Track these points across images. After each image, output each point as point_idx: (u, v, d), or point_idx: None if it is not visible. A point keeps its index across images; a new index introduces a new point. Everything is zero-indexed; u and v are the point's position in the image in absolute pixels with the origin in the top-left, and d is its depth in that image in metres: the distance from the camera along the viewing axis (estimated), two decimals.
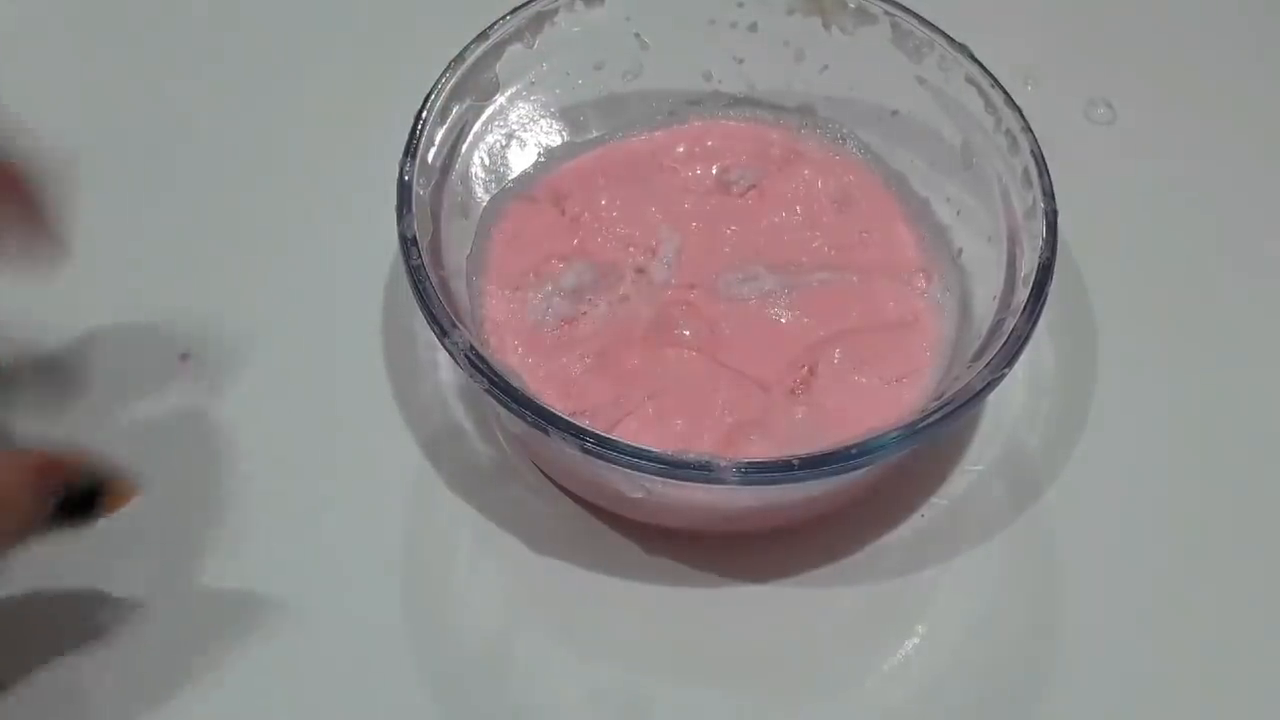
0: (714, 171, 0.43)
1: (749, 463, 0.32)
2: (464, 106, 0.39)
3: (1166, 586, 0.38)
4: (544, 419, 0.32)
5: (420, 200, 0.36)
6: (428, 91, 0.38)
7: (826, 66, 0.42)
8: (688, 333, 0.38)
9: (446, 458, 0.39)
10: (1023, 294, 0.35)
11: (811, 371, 0.38)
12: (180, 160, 0.45)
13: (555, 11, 0.40)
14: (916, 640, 0.37)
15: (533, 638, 0.36)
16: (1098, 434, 0.40)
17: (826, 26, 0.42)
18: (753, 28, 0.42)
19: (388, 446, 0.39)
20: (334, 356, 0.41)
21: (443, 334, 0.33)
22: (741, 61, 0.43)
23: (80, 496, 0.27)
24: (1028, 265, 0.36)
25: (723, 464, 0.32)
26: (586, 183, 0.42)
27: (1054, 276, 0.35)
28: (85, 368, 0.39)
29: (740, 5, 0.42)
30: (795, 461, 0.32)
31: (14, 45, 0.49)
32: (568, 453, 0.32)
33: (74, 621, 0.36)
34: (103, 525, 0.35)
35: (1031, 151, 0.37)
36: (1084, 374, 0.41)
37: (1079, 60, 0.49)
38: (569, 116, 0.43)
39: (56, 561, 0.36)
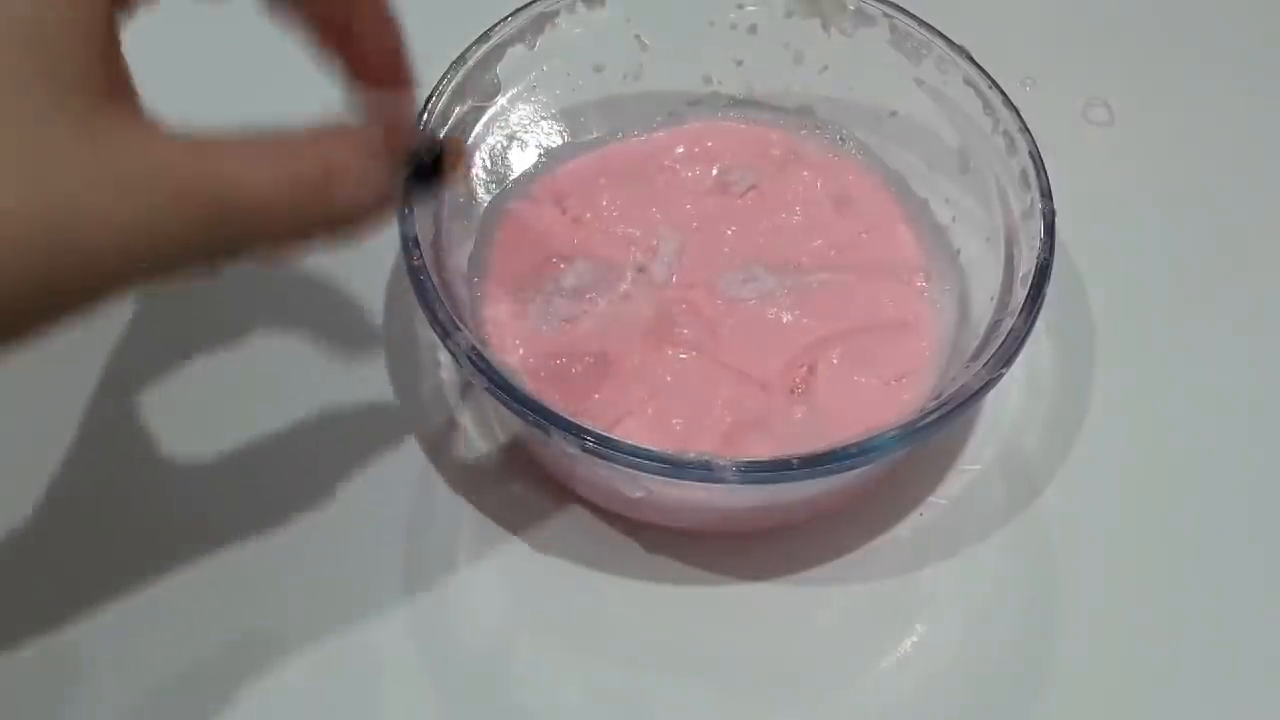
0: (714, 172, 0.43)
1: (748, 462, 0.32)
2: (465, 108, 0.39)
3: (1165, 586, 0.38)
4: (544, 419, 0.32)
5: (422, 206, 0.36)
6: (429, 93, 0.38)
7: (826, 68, 0.43)
8: (688, 332, 0.39)
9: (446, 458, 0.39)
10: (1021, 294, 0.35)
11: (811, 371, 0.38)
12: None
13: (556, 13, 0.41)
14: (915, 639, 0.37)
15: (533, 637, 0.36)
16: (1095, 434, 0.40)
17: (825, 28, 0.42)
18: (752, 29, 0.43)
19: (388, 446, 0.39)
20: (335, 356, 0.41)
21: (444, 334, 0.33)
22: (741, 63, 0.43)
23: (425, 161, 0.27)
24: (1026, 265, 0.36)
25: (722, 464, 0.32)
26: (587, 183, 0.42)
27: (1052, 277, 0.35)
28: (84, 366, 0.39)
29: (740, 7, 0.42)
30: (795, 461, 0.32)
31: None
32: (568, 453, 0.33)
33: (75, 615, 0.36)
34: (102, 513, 0.36)
35: (1029, 152, 0.37)
36: (1082, 374, 0.41)
37: (1077, 61, 0.50)
38: (570, 118, 0.43)
39: (62, 556, 0.36)
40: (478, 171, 0.41)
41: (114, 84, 0.23)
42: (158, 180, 0.22)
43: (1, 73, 0.21)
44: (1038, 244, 0.36)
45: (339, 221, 0.25)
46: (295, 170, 0.24)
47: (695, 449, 0.35)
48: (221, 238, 0.23)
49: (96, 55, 0.22)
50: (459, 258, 0.39)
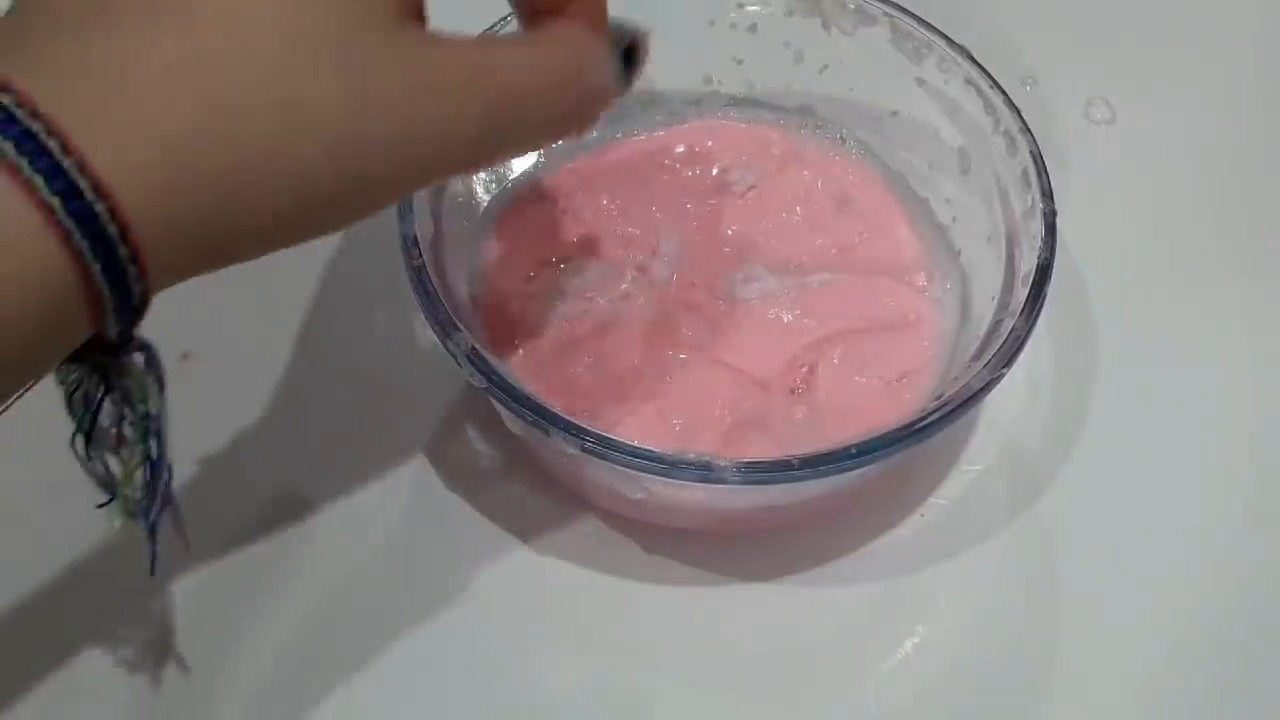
0: (714, 172, 0.43)
1: (749, 462, 0.32)
2: None
3: (1165, 586, 0.38)
4: (544, 419, 0.32)
5: (421, 200, 0.36)
6: None
7: (826, 67, 0.43)
8: (688, 332, 0.38)
9: (446, 458, 0.39)
10: (1021, 294, 0.35)
11: (811, 371, 0.38)
12: None
13: None
14: (916, 639, 0.37)
15: (533, 637, 0.36)
16: (1096, 434, 0.40)
17: (826, 27, 0.42)
18: (752, 29, 0.43)
19: (388, 446, 0.39)
20: (335, 356, 0.41)
21: (444, 334, 0.33)
22: (741, 62, 0.43)
23: (626, 51, 0.29)
24: (1026, 265, 0.36)
25: (722, 464, 0.32)
26: (587, 183, 0.42)
27: (1053, 277, 0.35)
28: None
29: (740, 7, 0.42)
30: (795, 461, 0.32)
31: None
32: (568, 453, 0.32)
33: (77, 611, 0.36)
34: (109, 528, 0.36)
35: (1030, 152, 0.37)
36: (1083, 374, 0.41)
37: (1078, 61, 0.50)
38: None
39: (60, 554, 0.36)
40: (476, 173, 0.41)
41: (411, 4, 0.25)
42: (454, 86, 0.25)
43: (325, 11, 0.23)
44: (1038, 244, 0.36)
45: (588, 104, 0.28)
46: (552, 63, 0.27)
47: (695, 449, 0.35)
48: (502, 127, 0.26)
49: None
50: (459, 258, 0.39)
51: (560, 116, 0.27)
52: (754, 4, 0.42)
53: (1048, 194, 0.37)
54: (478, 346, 0.33)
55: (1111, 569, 0.38)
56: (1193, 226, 0.45)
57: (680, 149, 0.43)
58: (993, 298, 0.37)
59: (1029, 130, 0.38)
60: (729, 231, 0.41)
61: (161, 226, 0.22)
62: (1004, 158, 0.38)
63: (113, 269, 0.22)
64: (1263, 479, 0.40)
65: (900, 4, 0.41)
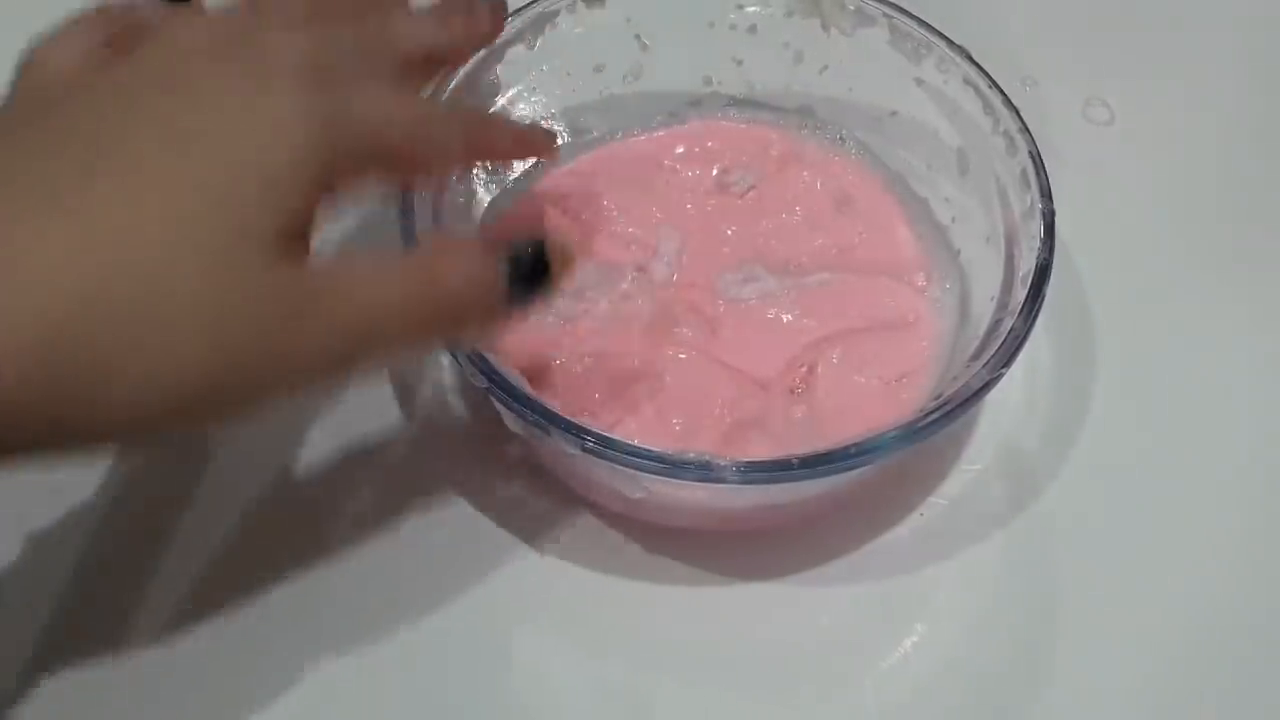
0: (714, 172, 0.43)
1: (748, 462, 0.32)
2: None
3: (1165, 585, 0.38)
4: (544, 419, 0.32)
5: (422, 201, 0.36)
6: (429, 93, 0.38)
7: (826, 68, 0.43)
8: (688, 332, 0.39)
9: (447, 457, 0.39)
10: (1021, 294, 0.35)
11: (811, 371, 0.38)
12: None
13: (556, 13, 0.41)
14: (916, 639, 0.37)
15: (533, 637, 0.36)
16: (1095, 433, 0.40)
17: (825, 28, 0.42)
18: (752, 29, 0.43)
19: (388, 446, 0.39)
20: None
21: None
22: (741, 63, 0.43)
23: (528, 262, 0.29)
24: (1026, 265, 0.36)
25: (722, 463, 0.32)
26: (587, 183, 0.42)
27: (1052, 277, 0.35)
28: None
29: (740, 7, 0.42)
30: (794, 461, 0.32)
31: None
32: (568, 453, 0.33)
33: (72, 612, 0.36)
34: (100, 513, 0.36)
35: (1029, 152, 0.37)
36: (1082, 374, 0.41)
37: (1077, 61, 0.50)
38: (570, 117, 0.43)
39: (61, 554, 0.36)
40: (478, 171, 0.41)
41: (292, 227, 0.26)
42: (316, 309, 0.25)
43: (209, 228, 0.24)
44: (1038, 244, 0.36)
45: (450, 321, 0.28)
46: (411, 285, 0.27)
47: (695, 449, 0.35)
48: (362, 347, 0.26)
49: (304, 206, 0.26)
50: None
51: (425, 335, 0.28)
52: (754, 5, 0.42)
53: (1047, 194, 0.37)
54: (478, 346, 0.33)
55: (1111, 568, 0.38)
56: (1192, 226, 0.45)
57: (680, 149, 0.43)
58: (992, 298, 0.37)
59: (1028, 130, 0.38)
60: (729, 231, 0.41)
61: (21, 407, 0.22)
62: (1003, 158, 0.38)
63: None
64: (1262, 478, 0.40)
65: (899, 4, 0.41)
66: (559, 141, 0.39)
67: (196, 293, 0.24)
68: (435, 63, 0.33)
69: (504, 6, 0.35)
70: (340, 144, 0.26)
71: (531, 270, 0.29)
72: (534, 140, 0.37)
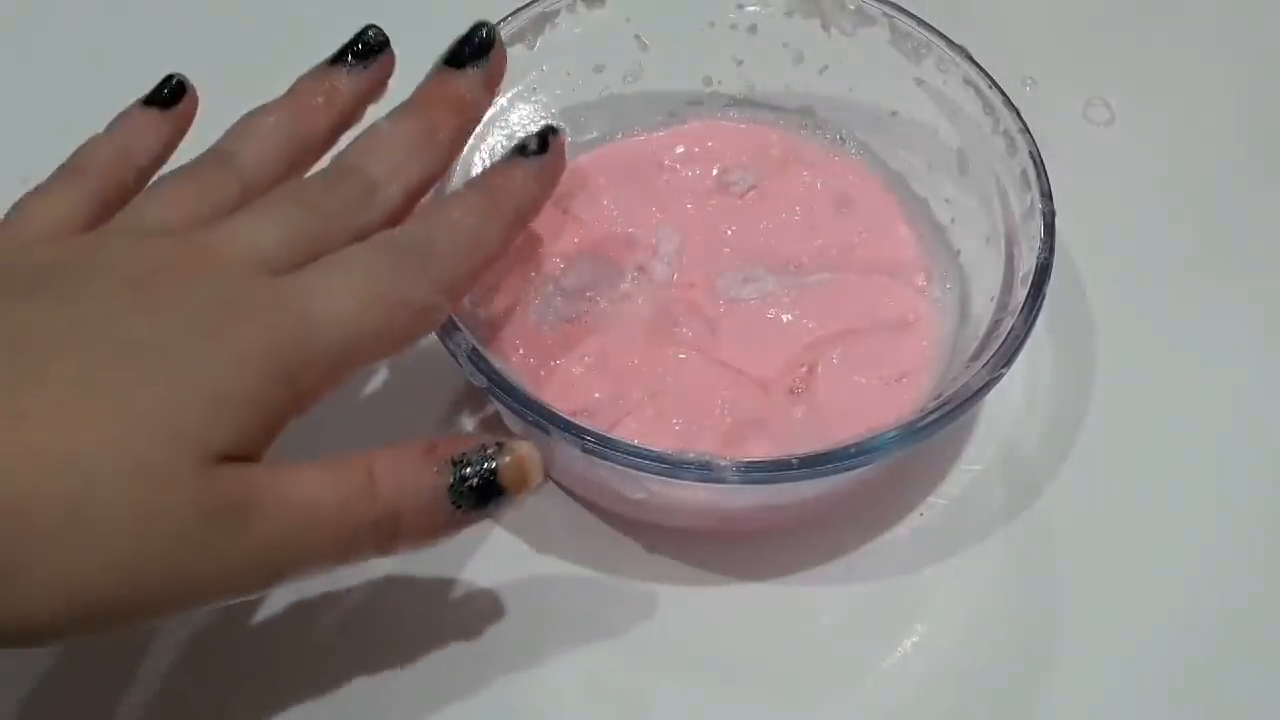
0: (714, 172, 0.43)
1: (748, 462, 0.32)
2: None
3: (1165, 585, 0.38)
4: (544, 419, 0.32)
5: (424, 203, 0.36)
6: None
7: (826, 68, 0.43)
8: (688, 332, 0.39)
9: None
10: (1021, 294, 0.35)
11: (811, 371, 0.38)
12: (180, 160, 0.45)
13: (556, 13, 0.41)
14: (915, 639, 0.37)
15: (533, 637, 0.36)
16: (1095, 433, 0.40)
17: (825, 28, 0.42)
18: (752, 29, 0.43)
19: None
20: None
21: (444, 334, 0.33)
22: (741, 63, 0.43)
23: (476, 474, 0.27)
24: (1026, 265, 0.36)
25: (722, 463, 0.32)
26: (587, 183, 0.42)
27: (1052, 277, 0.35)
28: None
29: (740, 7, 0.42)
30: (794, 461, 0.32)
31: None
32: (568, 452, 0.33)
33: None
34: None
35: (1030, 152, 0.37)
36: (1082, 374, 0.41)
37: (1077, 61, 0.50)
38: (570, 117, 0.43)
39: None
40: (478, 171, 0.41)
41: (233, 446, 0.25)
42: (234, 538, 0.25)
43: (146, 444, 0.24)
44: (1038, 244, 0.36)
45: (387, 536, 0.27)
46: (348, 482, 0.27)
47: (695, 449, 0.35)
48: (293, 547, 0.26)
49: (256, 435, 0.26)
50: None
51: (357, 551, 0.27)
52: (754, 4, 0.42)
53: (1047, 194, 0.37)
54: (478, 346, 0.33)
55: (1110, 568, 0.38)
56: (1192, 227, 0.45)
57: (680, 149, 0.43)
58: (992, 298, 0.37)
59: (1028, 130, 0.38)
60: (729, 231, 0.41)
61: None
62: (1003, 158, 0.38)
63: None
64: (1262, 478, 0.40)
65: (899, 4, 0.41)
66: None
67: (118, 510, 0.23)
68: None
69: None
70: (303, 378, 0.26)
71: (483, 485, 0.27)
72: (531, 214, 0.33)
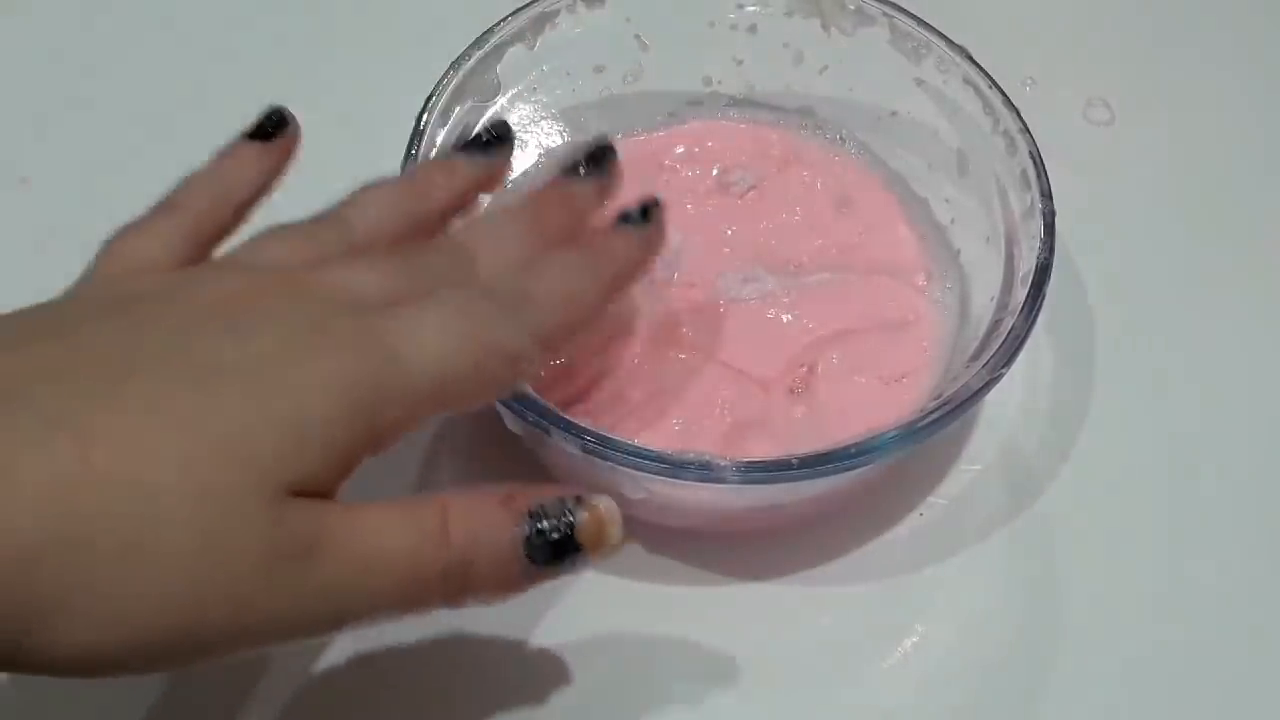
0: (714, 172, 0.43)
1: (748, 462, 0.32)
2: (465, 108, 0.39)
3: (1164, 585, 0.38)
4: (544, 419, 0.32)
5: None
6: (429, 93, 0.38)
7: (826, 68, 0.43)
8: (688, 332, 0.39)
9: (446, 458, 0.39)
10: (1021, 294, 0.35)
11: (811, 371, 0.38)
12: (180, 161, 0.45)
13: (556, 13, 0.41)
14: (915, 639, 0.37)
15: (533, 637, 0.36)
16: (1095, 433, 0.40)
17: (825, 28, 0.42)
18: (752, 29, 0.43)
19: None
20: None
21: None
22: (741, 63, 0.43)
23: (552, 528, 0.26)
24: (1026, 265, 0.36)
25: (722, 463, 0.32)
26: None
27: (1052, 277, 0.35)
28: None
29: (740, 7, 0.42)
30: (794, 461, 0.32)
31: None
32: (568, 453, 0.33)
33: None
34: None
35: (1030, 152, 0.37)
36: (1082, 374, 0.41)
37: (1077, 61, 0.50)
38: (570, 117, 0.43)
39: None
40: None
41: (303, 482, 0.24)
42: (299, 581, 0.24)
43: (214, 477, 0.23)
44: (1038, 244, 0.36)
45: (457, 590, 0.26)
46: (420, 528, 0.25)
47: (695, 449, 0.35)
48: (361, 588, 0.25)
49: (332, 469, 0.25)
50: None
51: (427, 602, 0.26)
52: (754, 4, 0.42)
53: (1047, 194, 0.37)
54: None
55: (1111, 568, 0.38)
56: (1192, 227, 0.45)
57: (680, 149, 0.43)
58: (992, 298, 0.37)
59: (1028, 130, 0.38)
60: (729, 232, 0.41)
61: None
62: (1003, 158, 0.38)
63: None
64: (1262, 478, 0.40)
65: (899, 4, 0.41)
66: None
67: (183, 540, 0.22)
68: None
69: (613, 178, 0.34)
70: (385, 414, 0.25)
71: (560, 540, 0.26)
72: (635, 273, 0.32)
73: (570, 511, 0.26)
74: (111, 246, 0.29)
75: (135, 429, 0.23)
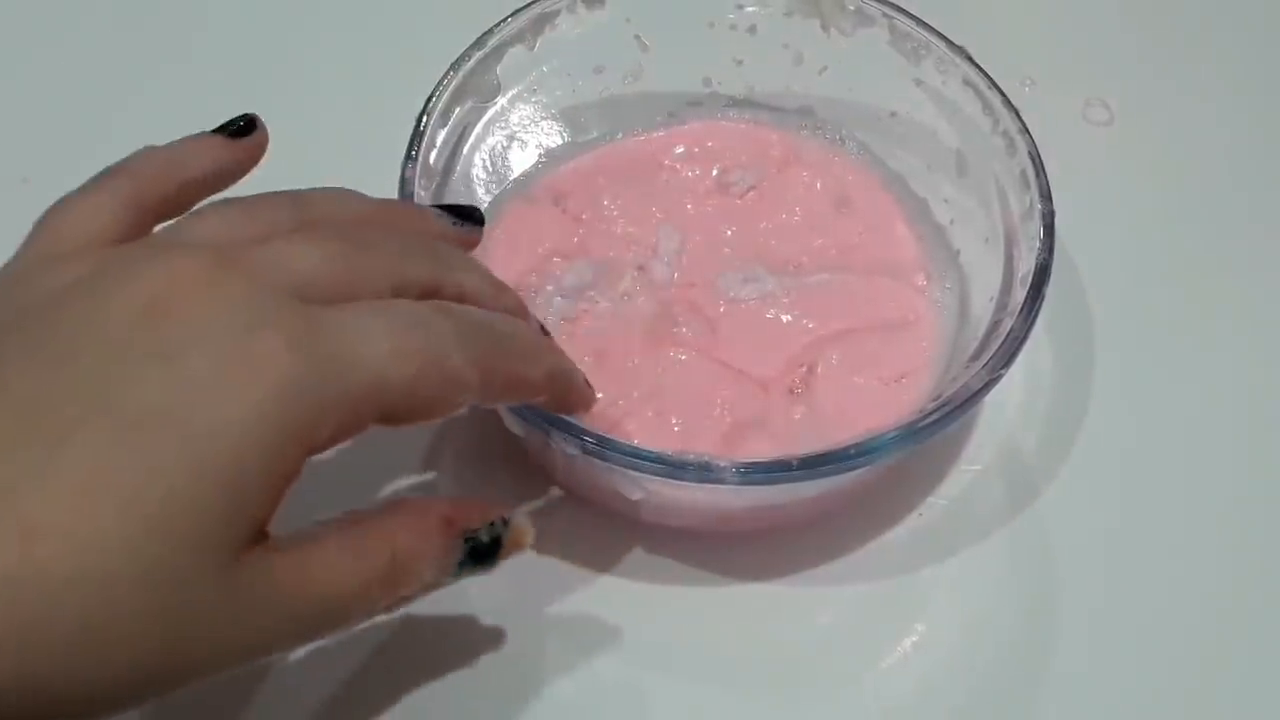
0: (714, 173, 0.43)
1: (748, 463, 0.32)
2: (465, 108, 0.39)
3: (1163, 585, 0.38)
4: (544, 419, 0.32)
5: (422, 202, 0.36)
6: (429, 94, 0.38)
7: (825, 68, 0.43)
8: (688, 332, 0.39)
9: (447, 457, 0.39)
10: (1020, 294, 0.35)
11: (810, 371, 0.38)
12: None
13: (556, 14, 0.41)
14: (915, 639, 0.37)
15: (533, 637, 0.36)
16: (1095, 434, 0.40)
17: (825, 28, 0.42)
18: (752, 30, 0.43)
19: (388, 446, 0.39)
20: None
21: None
22: (741, 63, 0.43)
23: (483, 546, 0.29)
24: (1025, 266, 0.36)
25: (722, 464, 0.32)
26: (587, 183, 0.42)
27: (1051, 277, 0.35)
28: None
29: (740, 7, 0.42)
30: (794, 461, 0.32)
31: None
32: (568, 453, 0.33)
33: None
34: None
35: (1029, 153, 0.37)
36: (1081, 374, 0.41)
37: (1077, 61, 0.50)
38: (570, 118, 0.43)
39: None
40: (478, 172, 0.41)
41: (251, 529, 0.24)
42: (264, 614, 0.25)
43: (165, 543, 0.23)
44: (1037, 244, 0.36)
45: (402, 598, 0.27)
46: (369, 566, 0.26)
47: (695, 449, 0.35)
48: (311, 630, 0.26)
49: (271, 504, 0.24)
50: None
51: (372, 608, 0.27)
52: (753, 5, 0.42)
53: (1046, 195, 0.37)
54: None
55: (1110, 568, 0.38)
56: (1191, 227, 0.45)
57: (680, 149, 0.43)
58: (991, 298, 0.37)
59: (1027, 131, 0.38)
60: (729, 231, 0.41)
61: None
62: (1002, 158, 0.38)
63: None
64: (1261, 478, 0.40)
65: (899, 5, 0.41)
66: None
67: (138, 624, 0.22)
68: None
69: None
70: (322, 427, 0.25)
71: (484, 551, 0.29)
72: (568, 395, 0.32)
73: (497, 531, 0.29)
74: (48, 219, 0.28)
75: (75, 515, 0.22)
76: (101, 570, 0.22)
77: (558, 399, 0.32)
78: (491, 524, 0.29)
